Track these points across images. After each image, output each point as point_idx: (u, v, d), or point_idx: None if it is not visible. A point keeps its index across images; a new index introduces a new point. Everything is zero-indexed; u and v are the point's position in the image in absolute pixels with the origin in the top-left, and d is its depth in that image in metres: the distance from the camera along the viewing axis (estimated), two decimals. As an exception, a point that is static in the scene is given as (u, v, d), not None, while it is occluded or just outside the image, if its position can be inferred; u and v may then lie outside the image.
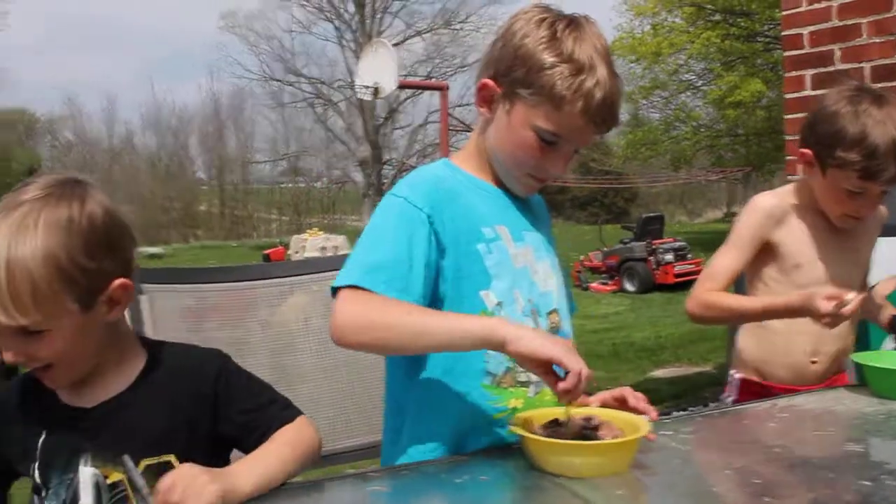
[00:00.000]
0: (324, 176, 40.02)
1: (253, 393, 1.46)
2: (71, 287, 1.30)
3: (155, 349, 1.47)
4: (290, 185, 39.73)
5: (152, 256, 20.23)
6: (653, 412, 1.53)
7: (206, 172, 40.11)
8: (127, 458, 1.33)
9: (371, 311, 1.41)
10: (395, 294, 1.42)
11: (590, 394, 1.60)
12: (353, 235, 23.33)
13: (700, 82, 24.15)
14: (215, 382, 1.44)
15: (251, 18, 37.71)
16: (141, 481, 1.31)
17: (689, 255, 14.39)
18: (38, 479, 1.40)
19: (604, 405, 1.56)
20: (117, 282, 1.36)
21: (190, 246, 31.79)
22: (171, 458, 1.39)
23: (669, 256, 14.15)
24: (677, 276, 13.73)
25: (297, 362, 2.26)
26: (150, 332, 2.02)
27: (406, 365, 1.59)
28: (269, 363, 2.20)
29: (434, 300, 1.52)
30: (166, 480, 1.21)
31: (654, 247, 14.24)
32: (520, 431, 1.37)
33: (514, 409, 1.54)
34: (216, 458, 1.44)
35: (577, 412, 1.44)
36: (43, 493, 1.40)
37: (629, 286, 14.26)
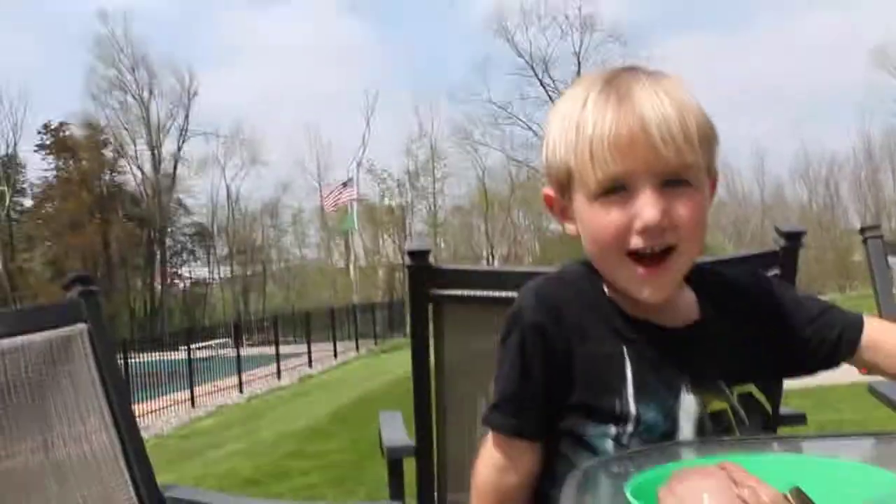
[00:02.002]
0: None
1: (806, 303, 1.34)
2: (711, 150, 1.23)
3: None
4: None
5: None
6: None
7: (860, 220, 38.85)
8: (724, 386, 1.23)
9: None
10: None
11: None
12: None
13: None
14: (771, 298, 1.33)
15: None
16: (742, 412, 1.22)
17: None
18: (630, 408, 1.18)
19: None
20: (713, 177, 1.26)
21: (845, 296, 31.12)
22: (752, 388, 1.27)
23: None
24: None
25: None
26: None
27: None
28: None
29: None
30: None
31: None
32: None
33: None
34: (778, 384, 1.40)
35: None
36: (629, 427, 1.18)
37: None
